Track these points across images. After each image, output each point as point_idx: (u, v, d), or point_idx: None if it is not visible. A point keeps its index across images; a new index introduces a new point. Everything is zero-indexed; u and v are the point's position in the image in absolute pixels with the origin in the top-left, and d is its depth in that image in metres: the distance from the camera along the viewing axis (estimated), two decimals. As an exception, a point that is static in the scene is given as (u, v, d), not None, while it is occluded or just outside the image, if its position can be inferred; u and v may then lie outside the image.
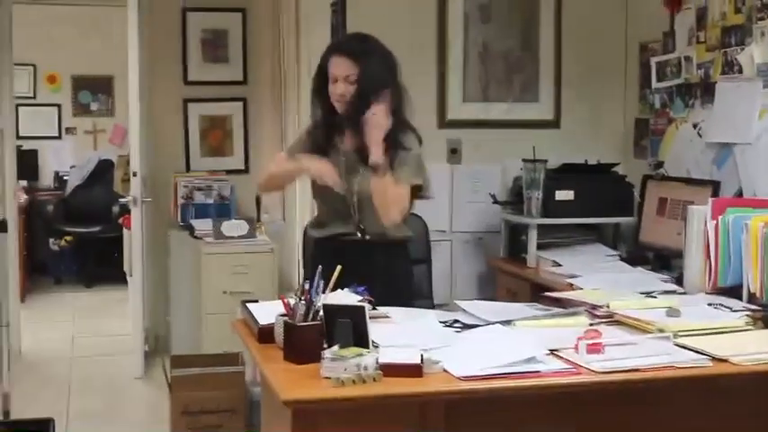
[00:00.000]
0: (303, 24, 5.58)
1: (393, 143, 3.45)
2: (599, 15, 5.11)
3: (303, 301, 2.73)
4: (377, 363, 2.52)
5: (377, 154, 3.36)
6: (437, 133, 4.96)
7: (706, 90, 4.39)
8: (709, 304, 3.31)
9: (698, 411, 2.80)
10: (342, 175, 3.47)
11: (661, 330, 2.88)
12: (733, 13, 4.20)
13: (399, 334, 2.87)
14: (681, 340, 2.82)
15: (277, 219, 6.48)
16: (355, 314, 2.66)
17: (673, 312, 3.09)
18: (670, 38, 4.68)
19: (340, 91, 3.45)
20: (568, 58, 5.08)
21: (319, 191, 3.57)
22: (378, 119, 3.38)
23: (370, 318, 2.69)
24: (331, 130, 3.56)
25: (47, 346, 7.08)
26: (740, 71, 4.14)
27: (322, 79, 3.53)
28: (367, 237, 3.53)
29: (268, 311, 2.95)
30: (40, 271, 9.65)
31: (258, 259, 5.79)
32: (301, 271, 3.82)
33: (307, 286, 2.74)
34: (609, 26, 5.13)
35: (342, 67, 3.45)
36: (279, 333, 2.80)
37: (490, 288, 4.91)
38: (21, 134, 8.30)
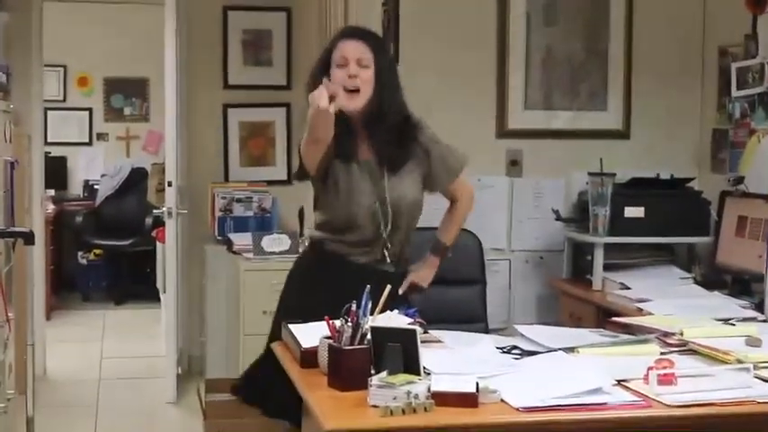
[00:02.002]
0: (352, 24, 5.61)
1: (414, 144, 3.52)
2: (674, 16, 5.09)
3: (350, 324, 2.74)
4: (429, 391, 2.52)
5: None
6: (496, 143, 4.97)
7: (791, 99, 4.36)
8: (794, 334, 3.27)
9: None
10: (367, 182, 3.45)
11: (740, 361, 2.85)
12: (822, 15, 4.18)
13: (453, 360, 2.88)
14: (762, 372, 2.79)
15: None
16: (406, 338, 2.66)
17: (753, 341, 3.06)
18: (752, 41, 4.64)
19: (352, 71, 3.38)
20: (640, 62, 5.06)
21: (354, 201, 3.46)
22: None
23: (421, 342, 2.69)
24: (348, 135, 3.43)
25: (73, 367, 7.15)
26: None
27: (323, 69, 3.44)
28: (387, 256, 3.47)
29: (312, 333, 2.96)
30: (68, 286, 9.78)
31: (301, 277, 5.80)
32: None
33: (353, 307, 2.76)
34: (685, 28, 5.10)
35: (355, 50, 3.41)
36: (323, 357, 2.81)
37: (552, 312, 4.90)
38: (49, 140, 8.44)
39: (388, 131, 3.46)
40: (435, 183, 3.60)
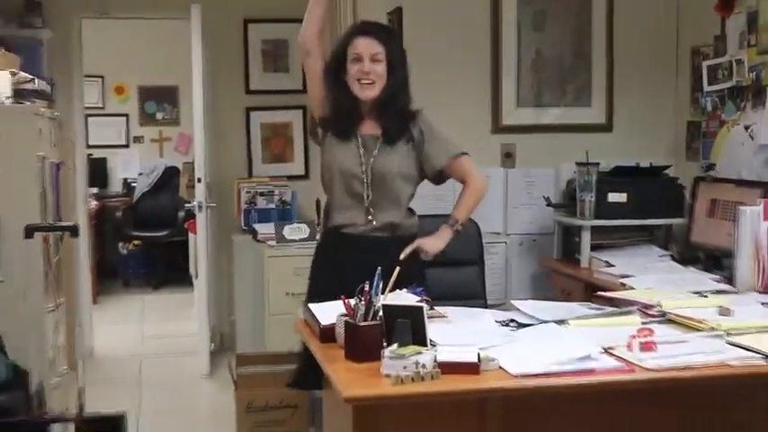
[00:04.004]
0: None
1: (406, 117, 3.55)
2: (651, 20, 5.08)
3: (363, 302, 2.76)
4: (435, 361, 2.54)
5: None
6: (491, 138, 4.97)
7: (757, 93, 4.35)
8: (763, 303, 3.28)
9: (750, 409, 2.79)
10: (358, 152, 3.49)
11: (713, 329, 2.86)
12: (783, 17, 4.17)
13: (456, 333, 2.89)
14: (733, 338, 2.80)
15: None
16: (414, 314, 2.67)
17: (724, 311, 3.08)
18: (721, 41, 4.63)
19: (367, 68, 3.44)
20: (620, 63, 5.06)
21: (336, 169, 3.52)
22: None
23: (427, 317, 2.71)
24: (351, 116, 3.52)
25: (117, 345, 7.21)
26: (791, 73, 4.10)
27: (337, 63, 3.51)
28: (374, 223, 3.48)
29: (329, 312, 2.98)
30: (110, 274, 9.82)
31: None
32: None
33: (366, 287, 2.78)
34: (660, 31, 5.09)
35: (368, 47, 3.45)
36: (340, 333, 2.83)
37: (544, 288, 4.90)
38: (90, 143, 8.45)
39: (395, 113, 3.52)
40: (434, 158, 3.58)
